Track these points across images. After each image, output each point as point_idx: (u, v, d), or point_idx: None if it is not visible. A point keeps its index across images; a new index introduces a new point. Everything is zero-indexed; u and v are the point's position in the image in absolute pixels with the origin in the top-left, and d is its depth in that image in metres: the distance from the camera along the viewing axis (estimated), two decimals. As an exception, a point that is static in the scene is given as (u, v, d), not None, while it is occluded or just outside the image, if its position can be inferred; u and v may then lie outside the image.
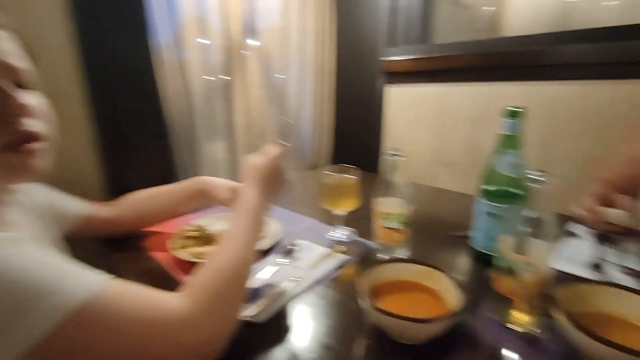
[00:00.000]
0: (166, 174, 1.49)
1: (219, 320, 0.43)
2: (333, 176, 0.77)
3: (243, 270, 0.48)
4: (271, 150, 0.63)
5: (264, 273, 0.64)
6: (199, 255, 0.69)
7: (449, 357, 0.46)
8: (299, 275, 0.63)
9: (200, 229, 0.78)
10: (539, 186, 0.45)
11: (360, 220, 0.88)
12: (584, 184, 0.98)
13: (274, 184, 0.61)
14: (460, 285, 0.49)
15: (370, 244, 0.76)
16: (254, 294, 0.58)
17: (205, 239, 0.76)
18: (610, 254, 0.69)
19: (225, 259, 0.47)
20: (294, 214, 0.95)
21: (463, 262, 0.70)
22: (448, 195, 1.08)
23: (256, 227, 0.54)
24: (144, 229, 0.84)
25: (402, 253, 0.70)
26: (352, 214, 0.84)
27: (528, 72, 1.29)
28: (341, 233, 0.81)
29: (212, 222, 0.83)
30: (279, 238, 0.77)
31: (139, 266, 0.70)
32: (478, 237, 0.68)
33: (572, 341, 0.44)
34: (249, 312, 0.53)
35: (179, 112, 1.62)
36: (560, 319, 0.45)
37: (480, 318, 0.53)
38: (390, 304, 0.52)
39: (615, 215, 0.72)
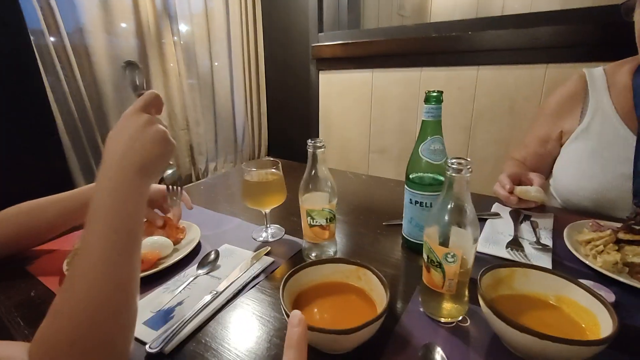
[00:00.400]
0: (60, 180, 1.29)
1: None
2: (254, 172, 0.70)
3: (111, 301, 0.35)
4: (128, 110, 0.44)
5: (175, 290, 0.56)
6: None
7: (379, 358, 0.43)
8: (219, 287, 0.56)
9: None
10: (457, 174, 0.43)
11: (289, 216, 0.83)
12: (500, 165, 1.04)
13: (143, 151, 0.41)
14: (387, 284, 0.46)
15: (299, 241, 0.71)
16: (160, 320, 0.49)
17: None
18: (525, 231, 0.72)
19: (79, 294, 0.34)
20: (216, 214, 0.86)
21: (396, 253, 0.68)
22: (383, 183, 1.07)
23: (123, 232, 0.37)
24: (28, 249, 0.69)
25: (331, 250, 0.66)
26: (280, 210, 0.79)
27: (451, 58, 1.33)
28: (268, 232, 0.74)
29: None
30: (196, 244, 0.68)
31: (21, 296, 0.57)
32: (408, 227, 0.67)
33: (493, 328, 0.44)
34: (151, 343, 0.44)
35: (83, 105, 1.40)
36: (482, 306, 0.44)
37: (410, 313, 0.51)
38: (315, 311, 0.48)
39: (527, 192, 0.75)
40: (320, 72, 1.69)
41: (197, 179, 1.94)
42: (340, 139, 1.68)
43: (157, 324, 0.49)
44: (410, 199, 0.63)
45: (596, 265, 0.58)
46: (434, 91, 0.60)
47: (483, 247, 0.67)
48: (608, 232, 0.63)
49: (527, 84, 1.20)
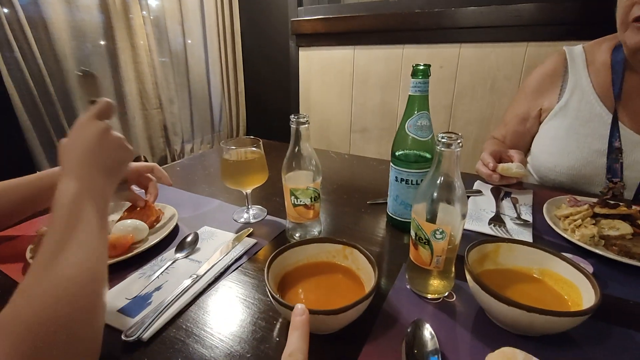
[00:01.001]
0: (18, 161, 1.20)
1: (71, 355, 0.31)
2: (234, 151, 0.66)
3: (94, 282, 0.35)
4: (85, 115, 0.45)
5: (152, 275, 0.53)
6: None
7: (366, 336, 0.42)
8: (200, 270, 0.53)
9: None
10: (447, 149, 0.42)
11: (272, 196, 0.81)
12: (481, 143, 1.05)
13: (104, 157, 0.44)
14: (375, 262, 0.45)
15: (282, 222, 0.69)
16: (137, 306, 0.47)
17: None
18: (506, 207, 0.73)
19: (66, 273, 0.33)
20: (194, 195, 0.82)
21: (381, 232, 0.67)
22: (366, 162, 1.06)
23: (90, 228, 0.38)
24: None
25: (316, 229, 0.64)
26: (262, 190, 0.76)
27: (433, 35, 1.30)
28: (249, 213, 0.72)
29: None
30: (173, 227, 0.65)
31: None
32: (393, 205, 0.66)
33: (480, 302, 0.44)
34: (127, 331, 0.42)
35: (43, 82, 1.29)
36: (469, 280, 0.44)
37: (397, 290, 0.50)
38: (302, 292, 0.46)
39: (509, 169, 0.76)
40: (300, 48, 1.63)
41: (173, 160, 1.87)
42: (321, 118, 1.65)
43: (133, 311, 0.46)
44: (396, 177, 0.62)
45: (574, 238, 0.59)
46: (421, 64, 0.58)
47: (466, 223, 0.67)
48: (585, 207, 0.64)
49: (508, 63, 1.20)
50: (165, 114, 1.78)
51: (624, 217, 0.62)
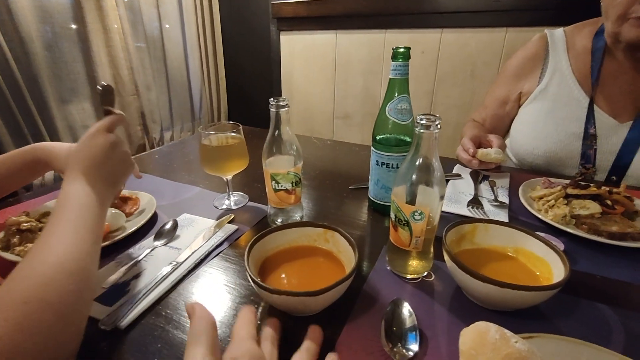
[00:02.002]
0: None
1: (44, 343, 0.30)
2: (213, 136, 0.65)
3: (81, 270, 0.36)
4: (98, 125, 0.49)
5: (129, 263, 0.51)
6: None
7: (347, 317, 0.43)
8: (179, 258, 0.52)
9: (41, 215, 0.59)
10: (426, 130, 0.42)
11: (253, 182, 0.80)
12: (461, 129, 1.06)
13: (109, 167, 0.47)
14: (355, 244, 0.46)
15: (264, 208, 0.69)
16: (114, 295, 0.46)
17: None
18: (484, 190, 0.75)
19: (58, 255, 0.35)
20: (173, 183, 0.80)
21: (362, 216, 0.68)
22: (349, 148, 1.05)
23: (86, 223, 0.40)
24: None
25: (298, 214, 0.64)
26: (243, 176, 0.75)
27: (415, 19, 1.30)
28: (230, 200, 0.71)
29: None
30: (151, 215, 0.63)
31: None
32: (374, 189, 0.66)
33: (457, 280, 0.46)
34: (103, 319, 0.41)
35: (7, 66, 1.21)
36: (447, 260, 0.45)
37: (377, 272, 0.51)
38: (283, 276, 0.46)
39: (488, 154, 0.77)
40: (281, 32, 1.60)
41: (152, 149, 1.82)
42: (304, 104, 1.63)
43: (110, 299, 0.45)
44: (377, 161, 0.62)
45: (547, 218, 0.61)
46: (401, 47, 0.57)
47: (446, 206, 0.68)
48: (558, 188, 0.67)
49: (488, 48, 1.21)
50: (143, 101, 1.72)
51: (594, 197, 0.64)
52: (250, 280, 0.41)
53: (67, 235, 0.37)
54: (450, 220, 0.51)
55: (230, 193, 0.72)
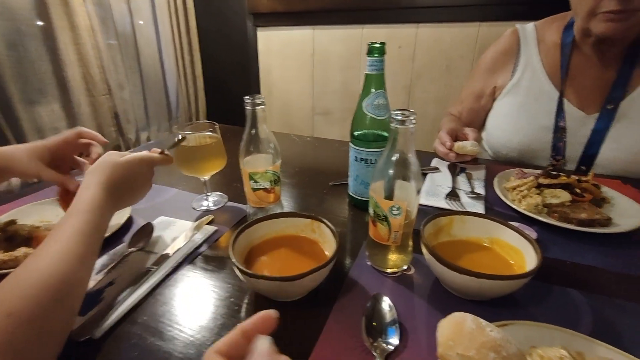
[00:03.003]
0: None
1: (29, 353, 0.30)
2: (189, 136, 0.63)
3: (68, 286, 0.35)
4: (142, 155, 0.53)
5: (103, 270, 0.50)
6: (2, 263, 0.49)
7: (329, 313, 0.43)
8: (155, 262, 0.51)
9: (5, 224, 0.56)
10: (401, 126, 0.43)
11: (232, 182, 0.78)
12: (439, 123, 1.08)
13: (127, 191, 0.50)
14: (336, 233, 0.46)
15: (244, 208, 0.68)
16: (87, 304, 0.44)
17: (13, 239, 0.55)
18: (461, 182, 0.77)
19: (43, 269, 0.34)
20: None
21: (343, 212, 0.68)
22: (328, 144, 1.05)
23: (94, 231, 0.41)
24: None
25: (278, 213, 0.64)
26: (222, 176, 0.74)
27: (391, 15, 1.31)
28: (209, 201, 0.70)
29: (24, 213, 0.61)
30: (126, 219, 0.61)
31: None
32: (354, 185, 0.66)
33: (435, 272, 0.46)
34: (75, 330, 0.39)
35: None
36: (424, 253, 0.46)
37: (358, 267, 0.51)
38: (267, 262, 0.48)
39: (464, 147, 0.79)
40: (257, 28, 1.57)
41: (127, 150, 1.76)
42: (283, 101, 1.62)
43: (83, 309, 0.43)
44: (356, 157, 0.63)
45: (521, 208, 0.63)
46: (376, 42, 0.57)
47: (424, 199, 0.69)
48: (531, 178, 0.69)
49: (462, 43, 1.23)
50: (115, 100, 1.66)
51: (564, 186, 0.67)
52: (235, 269, 0.41)
53: (76, 244, 0.38)
54: (429, 213, 0.51)
55: (209, 194, 0.70)
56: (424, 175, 0.81)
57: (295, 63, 1.54)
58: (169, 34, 1.89)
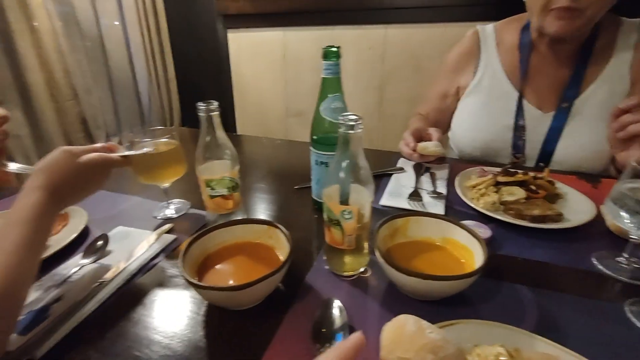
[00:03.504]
0: None
1: None
2: (143, 144, 0.62)
3: (8, 298, 0.35)
4: (98, 157, 0.51)
5: (51, 286, 0.48)
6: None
7: (283, 318, 0.43)
8: (108, 275, 0.50)
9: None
10: (349, 131, 0.43)
11: (196, 188, 0.76)
12: (407, 121, 1.09)
13: (75, 194, 0.49)
14: (290, 240, 0.46)
15: (206, 215, 0.67)
16: (31, 322, 0.42)
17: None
18: (425, 182, 0.78)
19: None
20: (110, 193, 0.76)
21: (306, 216, 0.68)
22: (297, 147, 1.05)
23: (36, 239, 0.41)
24: None
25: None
26: (185, 182, 0.72)
27: (360, 16, 1.31)
28: (171, 208, 0.68)
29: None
30: (81, 231, 0.59)
31: None
32: (315, 188, 0.66)
33: (387, 275, 0.47)
34: (13, 349, 0.38)
35: None
36: (377, 256, 0.46)
37: (315, 271, 0.51)
38: (222, 271, 0.48)
39: (426, 148, 0.80)
40: (228, 30, 1.55)
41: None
42: (256, 103, 1.61)
43: (26, 327, 0.42)
44: (316, 160, 0.63)
45: (479, 206, 0.65)
46: (332, 46, 0.58)
47: (387, 200, 0.70)
48: (489, 176, 0.71)
49: (429, 43, 1.25)
50: (83, 106, 1.61)
51: (520, 184, 0.68)
52: (185, 280, 0.40)
53: (16, 255, 0.37)
54: (390, 214, 0.52)
55: (170, 201, 0.69)
56: (390, 175, 0.82)
57: (267, 65, 1.53)
58: (139, 35, 1.85)
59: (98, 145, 0.55)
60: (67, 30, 1.53)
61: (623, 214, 0.46)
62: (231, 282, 0.45)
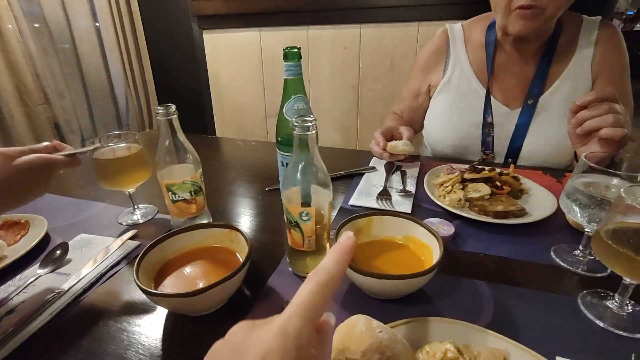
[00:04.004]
0: None
1: None
2: (104, 149, 0.60)
3: None
4: (37, 158, 0.47)
5: (4, 297, 0.46)
6: None
7: (244, 316, 0.43)
8: (65, 284, 0.48)
9: None
10: (304, 132, 0.43)
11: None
12: (384, 120, 1.10)
13: (12, 201, 0.46)
14: (249, 242, 0.46)
15: (171, 220, 0.66)
16: (-23, 335, 0.41)
17: None
18: (395, 181, 0.78)
19: None
20: (74, 200, 0.74)
21: (275, 217, 0.68)
22: (272, 148, 1.04)
23: None
24: None
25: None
26: (151, 186, 0.71)
27: (335, 15, 1.31)
28: (137, 214, 0.67)
29: None
30: (40, 239, 0.58)
31: None
32: (283, 190, 0.66)
33: (347, 275, 0.47)
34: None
35: None
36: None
37: (278, 274, 0.51)
38: (182, 277, 0.47)
39: (396, 147, 0.81)
40: (203, 31, 1.54)
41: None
42: (234, 105, 1.59)
43: (-28, 342, 0.40)
44: (282, 162, 0.62)
45: (445, 203, 0.65)
46: (292, 47, 0.57)
47: (356, 200, 0.70)
48: (456, 174, 0.72)
49: (403, 42, 1.26)
50: (55, 110, 1.57)
51: (486, 180, 0.70)
52: (140, 290, 0.40)
53: None
54: (357, 213, 0.52)
55: (136, 206, 0.68)
56: (361, 174, 0.82)
57: (244, 66, 1.51)
58: (113, 37, 1.81)
59: (40, 145, 0.52)
60: (36, 33, 1.49)
61: (576, 208, 0.47)
62: (191, 288, 0.45)
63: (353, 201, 0.70)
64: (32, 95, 1.47)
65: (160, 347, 0.40)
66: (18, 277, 0.51)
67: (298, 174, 0.45)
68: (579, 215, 0.47)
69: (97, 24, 1.76)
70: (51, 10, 1.54)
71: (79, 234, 0.62)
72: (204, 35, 1.53)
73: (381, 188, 0.75)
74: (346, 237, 0.28)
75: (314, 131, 0.43)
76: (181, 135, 0.55)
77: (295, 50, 0.57)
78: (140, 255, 0.44)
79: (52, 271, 0.52)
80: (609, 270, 0.50)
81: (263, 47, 1.45)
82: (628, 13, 4.47)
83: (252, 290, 0.48)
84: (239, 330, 0.24)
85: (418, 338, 0.38)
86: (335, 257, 0.27)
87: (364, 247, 0.51)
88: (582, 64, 0.82)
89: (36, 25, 1.50)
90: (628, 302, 0.43)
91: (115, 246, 0.57)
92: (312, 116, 0.43)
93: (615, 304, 0.43)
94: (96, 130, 1.82)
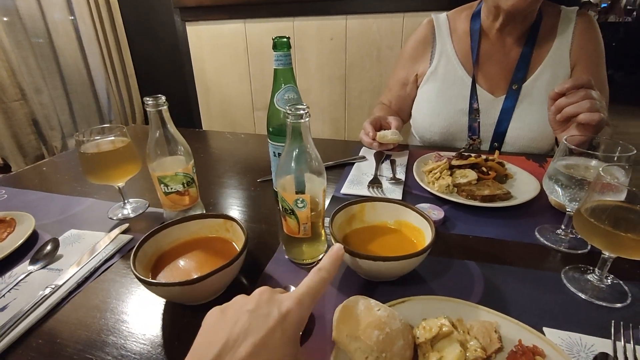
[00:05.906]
0: None
1: None
2: (91, 143, 0.59)
3: None
4: None
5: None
6: None
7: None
8: (59, 280, 0.48)
9: None
10: (299, 121, 0.43)
11: (154, 185, 0.75)
12: (372, 110, 1.11)
13: None
14: (246, 233, 0.46)
15: (164, 212, 0.65)
16: (-30, 332, 0.40)
17: None
18: (385, 169, 0.80)
19: None
20: (61, 197, 0.73)
21: (268, 208, 0.68)
22: (261, 140, 1.04)
23: None
24: None
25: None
26: (142, 180, 0.71)
27: (320, 6, 1.31)
28: (127, 208, 0.66)
29: None
30: (27, 237, 0.56)
31: None
32: (275, 180, 0.66)
33: (344, 259, 0.48)
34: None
35: None
36: (332, 241, 0.47)
37: (275, 262, 0.52)
38: (179, 267, 0.47)
39: (384, 136, 0.82)
40: (186, 23, 1.50)
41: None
42: (221, 97, 1.57)
43: (-35, 339, 0.39)
44: (274, 152, 0.63)
45: (434, 189, 0.67)
46: (282, 37, 0.57)
47: (348, 188, 0.71)
48: (444, 160, 0.73)
49: (389, 33, 1.27)
50: (33, 106, 1.52)
51: (473, 166, 0.72)
52: (137, 279, 0.40)
53: None
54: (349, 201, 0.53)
55: (127, 201, 0.67)
56: (352, 164, 0.83)
57: (229, 58, 1.49)
58: (92, 30, 1.75)
59: None
60: (10, 27, 1.43)
61: (558, 188, 0.50)
62: (189, 278, 0.45)
63: (345, 190, 0.71)
64: (8, 90, 1.41)
65: (161, 336, 0.41)
66: (8, 274, 0.50)
67: (292, 162, 0.45)
68: (561, 195, 0.50)
69: (73, 17, 1.70)
70: (23, 3, 1.48)
71: (69, 230, 0.61)
72: (187, 27, 1.50)
73: (372, 177, 0.76)
74: (337, 247, 0.37)
75: (307, 119, 0.43)
76: (172, 127, 0.54)
77: (285, 39, 0.57)
78: (136, 247, 0.44)
79: (44, 267, 0.51)
80: (589, 247, 0.52)
81: (248, 39, 1.43)
82: (602, 5, 4.60)
83: (250, 279, 0.49)
84: (259, 294, 0.32)
85: (414, 315, 0.39)
86: (332, 261, 0.35)
87: (358, 232, 0.53)
88: (561, 51, 0.85)
89: (5, 19, 1.43)
90: (607, 275, 0.46)
91: (108, 240, 0.56)
92: (304, 104, 0.43)
93: (596, 277, 0.46)
94: (77, 126, 1.77)
